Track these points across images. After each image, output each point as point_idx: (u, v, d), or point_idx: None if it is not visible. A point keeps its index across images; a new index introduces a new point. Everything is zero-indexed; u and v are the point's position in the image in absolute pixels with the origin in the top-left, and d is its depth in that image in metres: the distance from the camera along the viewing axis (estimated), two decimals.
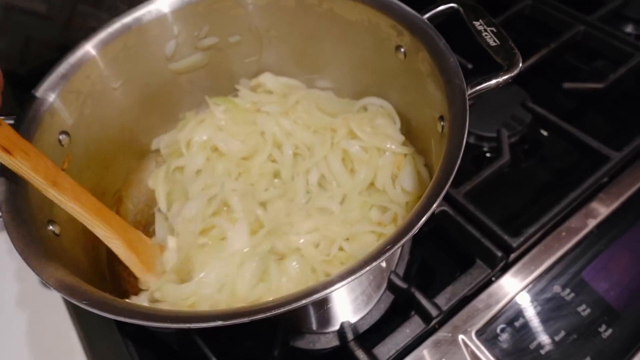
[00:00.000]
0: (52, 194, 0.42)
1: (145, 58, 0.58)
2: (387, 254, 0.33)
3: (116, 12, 1.00)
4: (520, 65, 0.42)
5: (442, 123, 0.45)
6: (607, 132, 0.70)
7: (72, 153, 0.51)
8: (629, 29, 0.82)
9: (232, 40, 0.62)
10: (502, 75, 0.42)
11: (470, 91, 0.42)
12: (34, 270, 0.35)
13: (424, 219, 0.35)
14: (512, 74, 0.42)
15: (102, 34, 0.53)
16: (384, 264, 0.46)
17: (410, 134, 0.58)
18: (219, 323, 0.32)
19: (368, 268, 0.33)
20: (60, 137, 0.50)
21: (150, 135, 0.64)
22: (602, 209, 0.61)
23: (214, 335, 0.50)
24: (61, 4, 0.93)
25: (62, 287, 0.34)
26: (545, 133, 0.73)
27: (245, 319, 0.31)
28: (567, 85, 0.70)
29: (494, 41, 0.44)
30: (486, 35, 0.45)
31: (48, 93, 0.49)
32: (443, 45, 0.45)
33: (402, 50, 0.52)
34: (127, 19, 0.55)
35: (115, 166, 0.59)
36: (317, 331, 0.50)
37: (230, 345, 0.52)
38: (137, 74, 0.58)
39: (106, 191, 0.58)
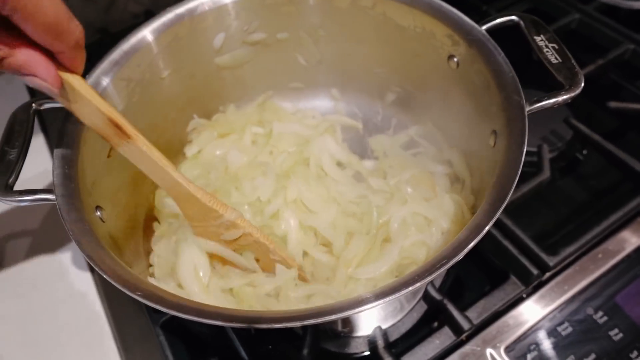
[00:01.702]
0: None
1: (194, 49, 0.58)
2: (441, 270, 0.33)
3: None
4: (582, 85, 0.42)
5: (494, 137, 0.45)
6: None
7: None
8: None
9: (279, 37, 0.62)
10: (562, 95, 0.41)
11: (529, 108, 0.41)
12: (88, 258, 0.35)
13: (477, 239, 0.34)
14: (573, 94, 0.41)
15: (156, 23, 0.54)
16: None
17: (453, 140, 0.57)
18: (270, 325, 0.32)
19: (415, 286, 0.33)
20: None
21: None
22: None
23: (246, 330, 0.51)
24: None
25: (115, 277, 0.35)
26: (584, 151, 0.72)
27: (297, 323, 0.31)
28: (612, 104, 0.69)
29: (556, 58, 0.44)
30: (547, 51, 0.44)
31: (102, 77, 0.49)
32: (502, 59, 0.45)
33: (456, 60, 0.51)
34: (181, 9, 0.55)
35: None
36: (349, 334, 0.51)
37: (260, 341, 0.52)
38: (184, 65, 0.59)
39: (146, 180, 0.59)
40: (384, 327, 0.51)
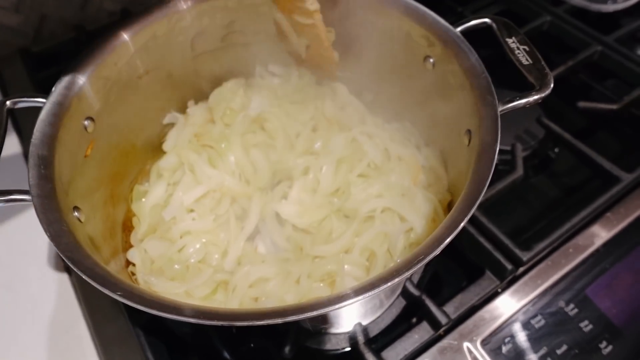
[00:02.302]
0: None
1: (171, 49, 0.58)
2: (419, 266, 0.33)
3: None
4: (552, 86, 0.43)
5: (469, 136, 0.46)
6: (618, 152, 0.72)
7: (95, 139, 0.51)
8: None
9: (257, 37, 0.62)
10: (533, 95, 0.43)
11: (501, 108, 0.42)
12: (67, 259, 0.35)
13: (453, 234, 0.36)
14: (543, 95, 0.43)
15: (133, 22, 0.53)
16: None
17: (430, 138, 0.59)
18: (250, 323, 0.32)
19: (394, 281, 0.33)
20: (86, 122, 0.50)
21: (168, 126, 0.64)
22: (608, 229, 0.63)
23: (227, 329, 0.51)
24: None
25: (95, 277, 0.34)
26: (556, 150, 0.74)
27: (278, 320, 0.32)
28: (582, 104, 0.71)
29: (527, 60, 0.45)
30: (519, 53, 0.46)
31: (78, 77, 0.48)
32: (475, 61, 0.46)
33: (431, 60, 0.52)
34: (159, 8, 0.55)
35: (134, 154, 0.59)
36: (329, 332, 0.51)
37: (241, 339, 0.52)
38: (162, 64, 0.58)
39: (124, 179, 0.58)
40: (364, 323, 0.51)
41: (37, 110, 0.47)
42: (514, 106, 0.43)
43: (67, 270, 0.62)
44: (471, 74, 0.46)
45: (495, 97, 0.43)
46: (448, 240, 0.36)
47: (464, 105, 0.48)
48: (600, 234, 0.62)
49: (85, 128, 0.50)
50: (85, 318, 0.58)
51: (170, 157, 0.60)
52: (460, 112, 0.48)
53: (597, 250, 0.61)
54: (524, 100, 0.43)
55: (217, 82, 0.65)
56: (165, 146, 0.62)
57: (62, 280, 0.61)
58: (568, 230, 0.61)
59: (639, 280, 0.60)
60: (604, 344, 0.55)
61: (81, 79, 0.49)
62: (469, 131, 0.46)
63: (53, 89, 0.47)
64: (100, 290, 0.34)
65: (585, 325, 0.57)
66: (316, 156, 0.58)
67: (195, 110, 0.64)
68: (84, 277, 0.35)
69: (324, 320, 0.48)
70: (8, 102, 0.46)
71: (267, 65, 0.67)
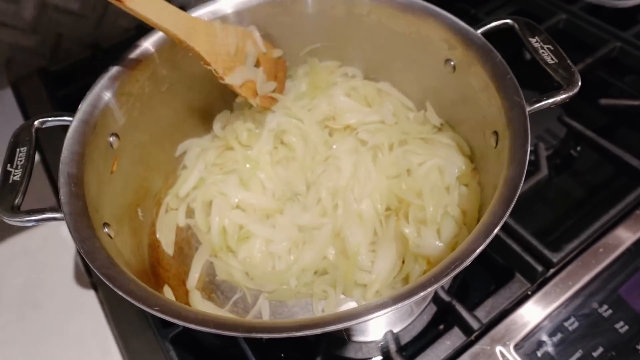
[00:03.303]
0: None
1: (191, 61, 0.58)
2: (456, 271, 0.33)
3: None
4: (580, 84, 0.43)
5: (495, 138, 0.45)
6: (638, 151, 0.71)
7: (119, 156, 0.52)
8: None
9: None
10: (561, 94, 0.42)
11: (529, 108, 0.42)
12: (102, 276, 0.35)
13: (489, 239, 0.35)
14: (571, 93, 0.42)
15: (155, 37, 0.54)
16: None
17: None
18: (287, 334, 0.32)
19: (427, 291, 0.33)
20: (111, 139, 0.50)
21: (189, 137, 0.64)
22: (638, 227, 0.62)
23: (259, 340, 0.50)
24: (94, 2, 0.93)
25: (131, 294, 0.34)
26: (578, 148, 0.73)
27: (318, 330, 0.32)
28: (603, 101, 0.70)
29: (552, 59, 0.45)
30: (543, 52, 0.45)
31: (103, 93, 0.49)
32: (499, 62, 0.46)
33: (452, 63, 0.52)
34: None
35: (158, 168, 0.60)
36: (360, 340, 0.51)
37: (271, 350, 0.52)
38: (182, 78, 0.59)
39: (148, 192, 0.59)
40: (395, 330, 0.51)
41: (62, 129, 0.47)
42: (541, 106, 0.42)
43: (94, 286, 0.62)
44: (495, 75, 0.45)
45: (523, 97, 0.42)
46: (483, 245, 0.35)
47: (488, 107, 0.47)
48: (630, 232, 0.61)
49: (111, 145, 0.50)
50: (113, 333, 0.58)
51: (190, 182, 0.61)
52: (486, 113, 0.48)
53: (628, 249, 0.60)
54: (551, 100, 0.43)
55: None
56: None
57: (89, 296, 0.61)
58: (597, 230, 0.60)
59: None
60: None
61: (106, 95, 0.49)
62: (495, 133, 0.45)
63: (79, 106, 0.47)
64: (127, 305, 0.35)
65: (621, 327, 0.55)
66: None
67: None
68: (120, 293, 0.35)
69: (355, 328, 0.48)
70: (36, 122, 0.46)
71: None
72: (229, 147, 0.63)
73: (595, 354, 0.54)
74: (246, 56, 0.56)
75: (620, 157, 0.64)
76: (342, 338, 0.48)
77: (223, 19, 0.57)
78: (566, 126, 0.70)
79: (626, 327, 0.55)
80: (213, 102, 0.65)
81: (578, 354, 0.54)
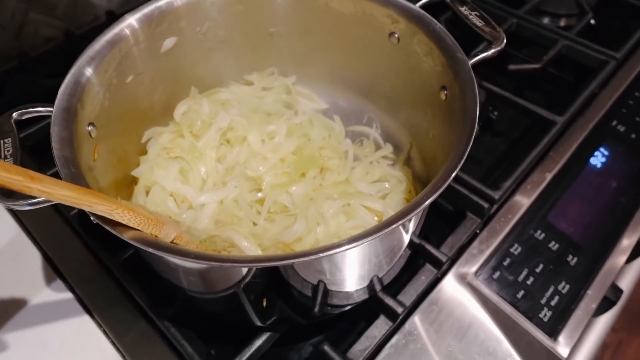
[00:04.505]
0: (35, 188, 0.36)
1: (150, 54, 0.60)
2: (434, 197, 0.40)
3: (71, 18, 0.99)
4: (505, 40, 0.52)
5: (444, 92, 0.54)
6: (545, 105, 0.85)
7: (98, 144, 0.53)
8: (546, 20, 0.99)
9: (230, 36, 0.66)
10: (492, 48, 0.52)
11: (470, 62, 0.51)
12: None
13: (461, 162, 0.42)
14: (500, 48, 0.52)
15: (116, 28, 0.55)
16: (411, 227, 0.53)
17: (403, 111, 0.66)
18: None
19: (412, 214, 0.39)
20: (89, 128, 0.51)
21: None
22: (553, 164, 0.74)
23: (258, 303, 0.54)
24: (12, 12, 0.90)
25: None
26: (495, 112, 0.86)
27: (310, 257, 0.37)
28: (512, 67, 0.83)
29: (480, 22, 0.54)
30: (472, 18, 0.54)
31: (78, 82, 0.50)
32: (440, 28, 0.54)
33: (397, 35, 0.60)
34: (136, 15, 0.57)
35: (127, 161, 0.61)
36: (350, 290, 0.56)
37: (272, 308, 0.55)
38: (145, 69, 0.60)
39: (122, 186, 0.59)
40: (380, 275, 0.57)
41: (42, 120, 0.48)
42: (479, 59, 0.51)
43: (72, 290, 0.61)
44: (438, 39, 0.54)
45: (464, 54, 0.51)
46: (456, 171, 0.42)
47: (434, 67, 0.55)
48: (548, 169, 0.73)
49: (90, 134, 0.51)
50: (103, 330, 0.58)
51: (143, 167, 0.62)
52: (431, 74, 0.56)
53: (548, 184, 0.72)
54: (486, 53, 0.52)
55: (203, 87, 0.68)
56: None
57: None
58: (523, 171, 0.71)
59: (585, 203, 0.72)
60: (570, 257, 0.66)
61: (80, 85, 0.50)
62: (444, 87, 0.54)
63: (59, 94, 0.48)
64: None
65: (553, 245, 0.67)
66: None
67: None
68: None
69: (347, 278, 0.53)
70: (14, 114, 0.46)
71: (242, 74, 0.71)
72: (182, 134, 0.65)
73: (537, 270, 0.64)
74: None
75: (533, 111, 0.77)
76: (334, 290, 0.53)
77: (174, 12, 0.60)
78: (485, 90, 0.82)
79: (557, 245, 0.67)
80: (177, 93, 0.67)
81: (525, 272, 0.64)
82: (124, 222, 0.40)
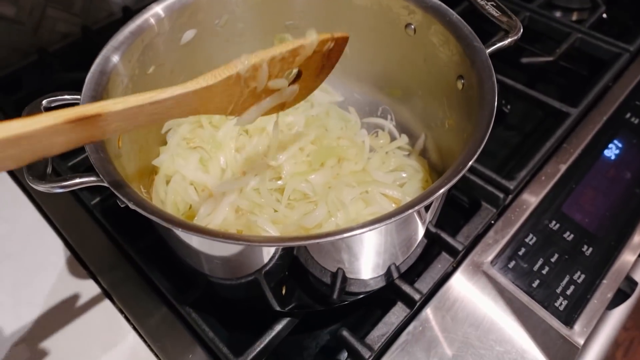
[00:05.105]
0: None
1: (170, 45, 0.61)
2: (448, 186, 0.40)
3: (87, 14, 1.00)
4: (522, 30, 0.53)
5: (462, 81, 0.54)
6: (558, 97, 0.85)
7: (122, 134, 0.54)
8: (558, 14, 0.99)
9: (250, 29, 0.67)
10: (509, 37, 0.52)
11: (488, 50, 0.51)
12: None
13: (468, 164, 0.43)
14: (516, 37, 0.52)
15: (142, 17, 0.56)
16: (428, 216, 0.53)
17: (418, 102, 0.67)
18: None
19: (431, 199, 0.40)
20: None
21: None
22: (567, 156, 0.74)
23: (277, 290, 0.54)
24: (31, 8, 0.91)
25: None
26: (508, 106, 0.86)
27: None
28: (524, 60, 0.83)
29: (496, 12, 0.55)
30: (489, 8, 0.55)
31: (104, 71, 0.51)
32: (456, 18, 0.55)
33: (413, 26, 0.60)
34: (158, 6, 0.58)
35: (153, 148, 0.62)
36: (367, 278, 0.57)
37: (290, 295, 0.56)
38: (166, 60, 0.61)
39: (144, 175, 0.61)
40: (397, 263, 0.58)
41: None
42: (496, 48, 0.52)
43: (93, 276, 0.63)
44: (455, 28, 0.54)
45: (481, 42, 0.52)
46: (476, 154, 0.43)
47: (450, 57, 0.56)
48: (562, 161, 0.74)
49: None
50: (128, 320, 0.59)
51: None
52: (447, 64, 0.57)
53: (563, 175, 0.73)
54: (502, 43, 0.52)
55: None
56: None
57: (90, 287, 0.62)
58: (538, 162, 0.72)
59: (599, 193, 0.72)
60: (585, 247, 0.66)
61: (105, 75, 0.51)
62: (461, 76, 0.54)
63: (86, 82, 0.49)
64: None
65: (568, 236, 0.67)
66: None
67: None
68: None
69: (366, 264, 0.54)
70: (44, 102, 0.47)
71: None
72: (201, 125, 0.66)
73: (552, 260, 0.65)
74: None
75: (547, 103, 0.77)
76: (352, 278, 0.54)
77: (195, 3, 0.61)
78: (499, 83, 0.82)
79: (572, 236, 0.67)
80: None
81: (540, 262, 0.64)
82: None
